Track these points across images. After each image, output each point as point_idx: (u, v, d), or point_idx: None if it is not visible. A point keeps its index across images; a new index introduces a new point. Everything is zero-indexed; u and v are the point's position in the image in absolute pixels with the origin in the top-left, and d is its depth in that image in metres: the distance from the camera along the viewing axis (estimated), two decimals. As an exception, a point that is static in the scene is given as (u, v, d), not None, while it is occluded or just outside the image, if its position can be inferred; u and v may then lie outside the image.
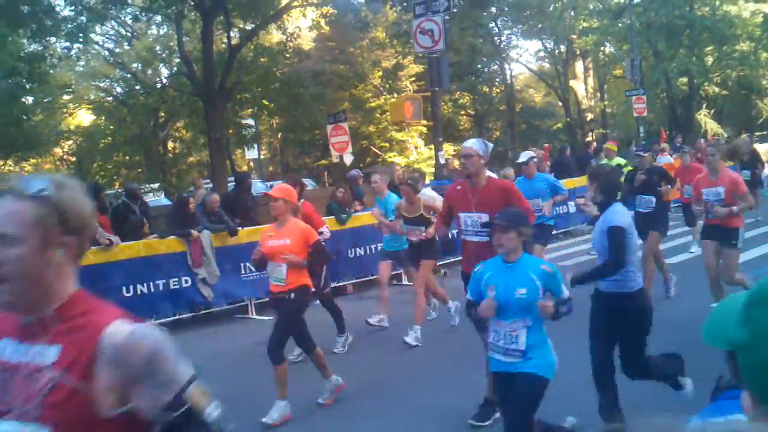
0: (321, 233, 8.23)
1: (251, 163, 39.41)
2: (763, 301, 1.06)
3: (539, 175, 9.92)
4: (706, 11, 33.59)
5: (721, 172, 8.03)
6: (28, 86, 19.96)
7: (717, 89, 36.67)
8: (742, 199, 7.94)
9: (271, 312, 10.70)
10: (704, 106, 38.42)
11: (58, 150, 34.46)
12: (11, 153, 24.83)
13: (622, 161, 14.21)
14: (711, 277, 8.33)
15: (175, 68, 30.90)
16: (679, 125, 34.47)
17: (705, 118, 37.74)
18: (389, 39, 36.24)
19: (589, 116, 40.43)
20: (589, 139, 32.52)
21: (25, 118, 21.77)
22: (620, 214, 5.42)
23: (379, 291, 9.82)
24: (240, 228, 11.39)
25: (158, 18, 27.71)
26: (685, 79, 35.91)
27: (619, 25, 35.14)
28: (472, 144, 6.21)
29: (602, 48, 39.51)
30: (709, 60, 35.52)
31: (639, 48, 31.82)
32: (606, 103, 42.73)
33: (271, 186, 26.27)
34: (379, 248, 12.85)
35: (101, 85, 36.01)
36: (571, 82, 40.48)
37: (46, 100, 27.21)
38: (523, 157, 10.10)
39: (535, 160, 10.14)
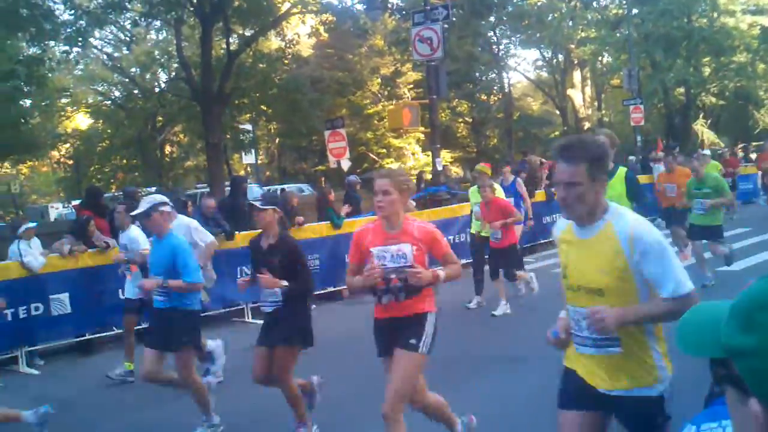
0: None
1: (248, 168, 39.45)
2: None
3: (171, 235, 6.18)
4: (704, 22, 33.73)
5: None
6: (26, 89, 19.99)
7: (714, 100, 36.79)
8: (445, 264, 4.80)
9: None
10: (701, 116, 38.53)
11: (55, 153, 34.52)
12: (8, 155, 24.84)
13: (497, 187, 11.19)
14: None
15: (174, 73, 30.94)
16: (675, 135, 34.55)
17: (702, 128, 37.86)
18: (388, 46, 36.36)
19: (586, 125, 40.49)
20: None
21: (23, 121, 21.81)
22: None
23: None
24: (236, 232, 11.38)
25: (157, 23, 27.75)
26: (682, 90, 36.02)
27: (617, 35, 35.25)
28: None
29: (600, 58, 39.64)
30: (707, 71, 35.64)
31: (637, 58, 31.91)
32: (603, 112, 42.84)
33: (269, 190, 26.14)
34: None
35: (99, 89, 36.08)
36: (569, 91, 40.57)
37: (44, 104, 27.29)
38: (144, 205, 6.15)
39: (166, 208, 6.18)
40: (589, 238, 3.16)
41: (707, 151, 19.23)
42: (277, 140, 41.11)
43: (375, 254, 4.53)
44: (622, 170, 6.92)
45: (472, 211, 11.19)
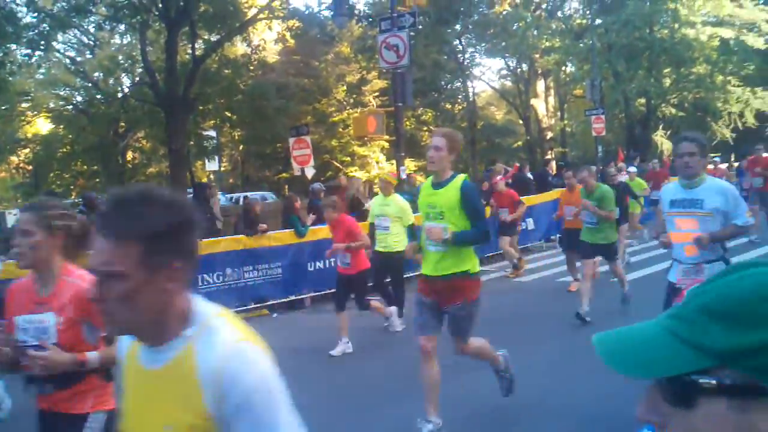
0: None
1: (211, 175, 39.20)
2: None
3: None
4: (666, 34, 34.28)
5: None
6: (-15, 93, 19.65)
7: (674, 110, 37.34)
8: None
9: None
10: (661, 126, 39.12)
11: (14, 158, 33.98)
12: (-34, 160, 24.43)
13: (400, 200, 10.18)
14: None
15: (138, 78, 30.66)
16: (636, 145, 35.04)
17: (661, 139, 38.45)
18: (354, 54, 36.39)
19: (549, 135, 40.89)
20: (549, 157, 32.93)
21: (-18, 125, 21.45)
22: None
23: None
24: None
25: (122, 27, 27.49)
26: (643, 100, 36.56)
27: (581, 45, 35.69)
28: None
29: (564, 68, 40.11)
30: (667, 82, 36.20)
31: (599, 68, 32.34)
32: (566, 122, 43.30)
33: (231, 198, 25.93)
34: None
35: (61, 93, 35.59)
36: (533, 101, 40.92)
37: (3, 108, 26.85)
38: None
39: None
40: (157, 369, 1.84)
41: (633, 168, 18.58)
42: (240, 147, 40.89)
43: (18, 326, 3.25)
44: (459, 177, 5.63)
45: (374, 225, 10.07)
